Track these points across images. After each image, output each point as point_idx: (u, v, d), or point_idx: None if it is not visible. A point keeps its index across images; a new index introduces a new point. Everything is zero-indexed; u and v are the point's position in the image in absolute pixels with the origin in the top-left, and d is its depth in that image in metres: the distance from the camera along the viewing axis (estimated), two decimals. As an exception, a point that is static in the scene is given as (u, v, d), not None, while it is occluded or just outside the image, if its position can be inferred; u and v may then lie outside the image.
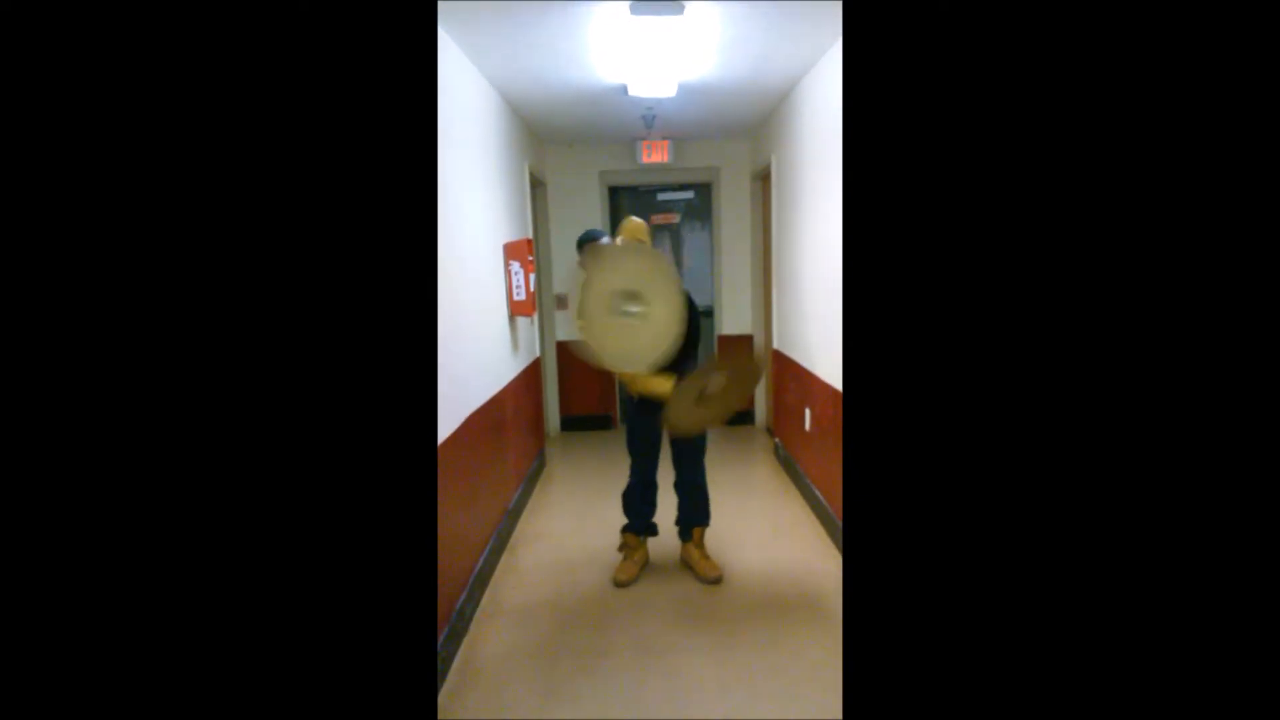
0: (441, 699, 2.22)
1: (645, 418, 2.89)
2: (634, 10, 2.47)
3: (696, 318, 2.72)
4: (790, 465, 4.19)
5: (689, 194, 5.51)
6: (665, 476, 3.01)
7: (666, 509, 3.07)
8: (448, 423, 2.49)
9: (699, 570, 2.94)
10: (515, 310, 3.63)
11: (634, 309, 2.42)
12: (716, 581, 2.89)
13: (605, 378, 5.18)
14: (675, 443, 2.95)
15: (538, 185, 4.93)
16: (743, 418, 5.48)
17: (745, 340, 5.36)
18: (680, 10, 2.47)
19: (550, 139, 5.00)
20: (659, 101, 3.86)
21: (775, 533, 3.41)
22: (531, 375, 4.26)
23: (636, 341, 2.43)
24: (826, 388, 3.27)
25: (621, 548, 3.03)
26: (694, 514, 3.00)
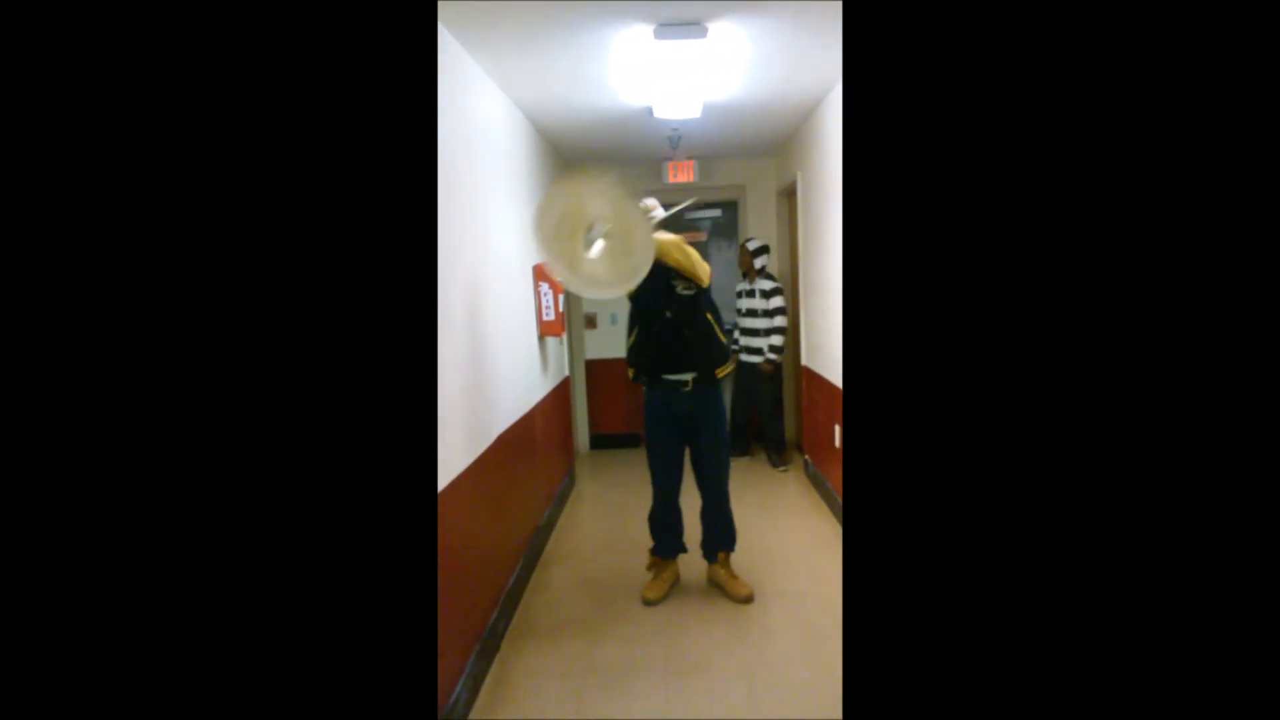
0: (473, 716, 2.24)
1: (663, 437, 2.91)
2: (658, 35, 2.51)
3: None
4: (819, 482, 4.16)
5: (716, 212, 5.55)
6: (693, 499, 3.01)
7: (696, 527, 3.07)
8: (478, 442, 2.52)
9: (729, 590, 2.93)
10: (545, 330, 3.68)
11: (600, 234, 2.30)
12: (748, 600, 2.88)
13: (634, 397, 5.18)
14: (698, 467, 2.95)
15: (566, 207, 4.98)
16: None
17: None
18: (703, 33, 2.52)
19: (577, 161, 5.07)
20: (684, 122, 3.90)
21: (805, 549, 3.39)
22: (561, 394, 4.30)
23: (611, 265, 2.30)
24: (855, 404, 3.25)
25: (650, 566, 3.03)
26: (718, 538, 3.00)
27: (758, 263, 4.74)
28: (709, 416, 2.89)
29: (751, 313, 4.73)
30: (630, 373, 2.94)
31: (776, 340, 4.66)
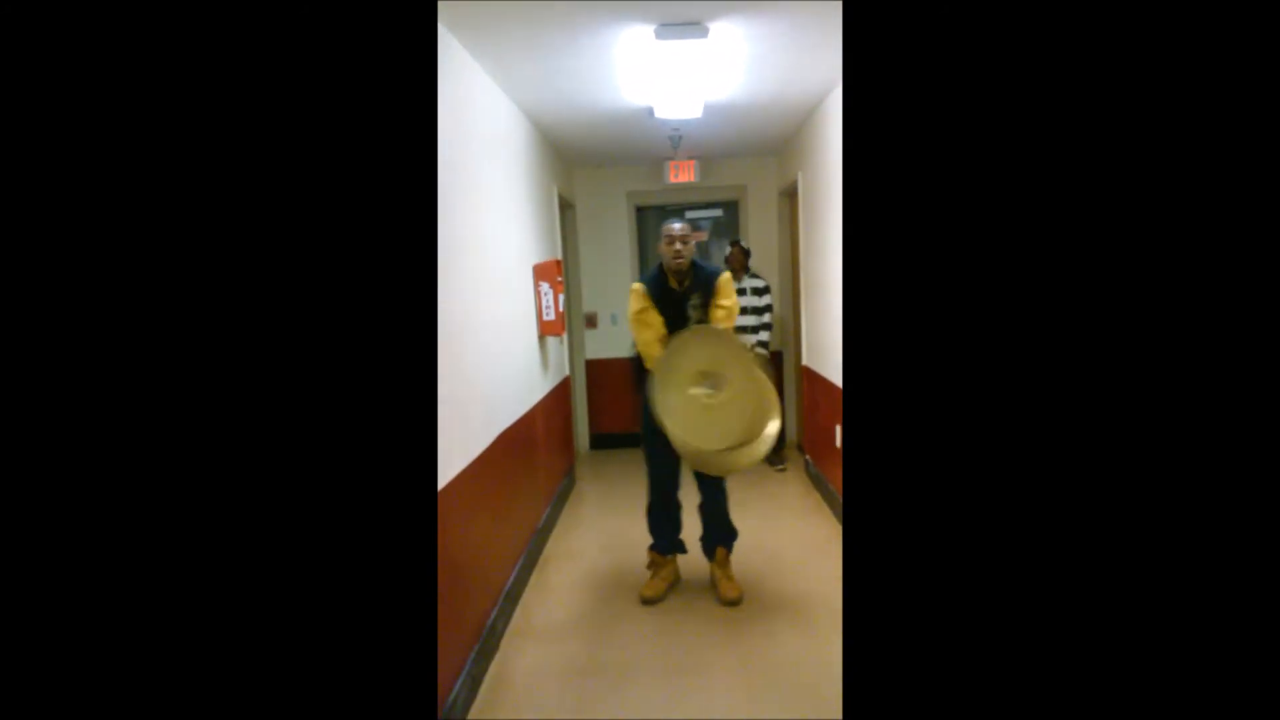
0: (472, 715, 2.24)
1: (661, 436, 2.90)
2: (659, 35, 2.51)
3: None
4: (820, 482, 4.16)
5: (717, 212, 5.55)
6: (694, 496, 3.01)
7: (696, 526, 3.07)
8: (479, 442, 2.52)
9: (719, 589, 2.94)
10: (545, 330, 3.68)
11: (709, 389, 2.60)
12: (735, 603, 2.87)
13: (634, 397, 5.19)
14: None
15: (566, 207, 4.99)
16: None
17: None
18: (704, 33, 2.52)
19: (578, 162, 5.08)
20: (685, 122, 3.90)
21: (805, 549, 3.39)
22: (561, 394, 4.30)
23: (715, 420, 2.56)
24: (856, 404, 3.25)
25: (649, 565, 3.03)
26: (715, 535, 2.99)
27: (750, 261, 4.79)
28: None
29: (742, 310, 4.75)
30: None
31: (765, 336, 4.68)
